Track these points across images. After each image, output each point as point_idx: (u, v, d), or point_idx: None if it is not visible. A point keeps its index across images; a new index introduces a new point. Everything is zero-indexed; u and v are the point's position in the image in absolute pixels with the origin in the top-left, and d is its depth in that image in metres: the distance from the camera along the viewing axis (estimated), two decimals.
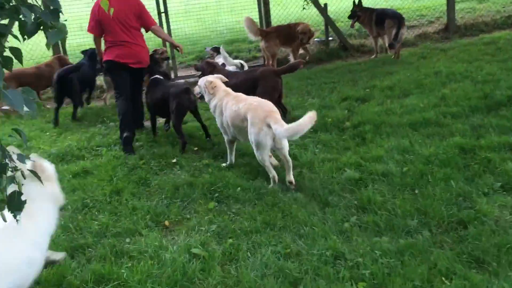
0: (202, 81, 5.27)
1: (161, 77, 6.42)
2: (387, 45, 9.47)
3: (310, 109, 6.33)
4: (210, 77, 5.23)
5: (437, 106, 5.96)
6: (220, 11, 12.15)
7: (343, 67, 9.13)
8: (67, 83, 7.49)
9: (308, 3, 9.74)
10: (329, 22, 10.60)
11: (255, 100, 4.69)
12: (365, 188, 4.20)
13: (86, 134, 6.69)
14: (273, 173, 4.50)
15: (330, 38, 11.00)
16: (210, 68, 6.41)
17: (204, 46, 10.52)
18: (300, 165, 4.90)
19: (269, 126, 4.32)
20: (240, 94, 4.99)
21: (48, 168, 3.10)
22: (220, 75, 5.36)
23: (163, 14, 9.62)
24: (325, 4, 10.56)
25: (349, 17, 10.13)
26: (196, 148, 5.76)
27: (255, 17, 10.45)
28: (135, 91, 6.57)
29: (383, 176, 4.39)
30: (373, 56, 9.84)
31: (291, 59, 9.72)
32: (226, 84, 5.44)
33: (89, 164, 5.48)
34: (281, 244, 3.48)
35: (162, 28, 9.36)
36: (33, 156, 3.03)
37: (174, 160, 5.38)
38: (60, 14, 1.73)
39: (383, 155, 4.79)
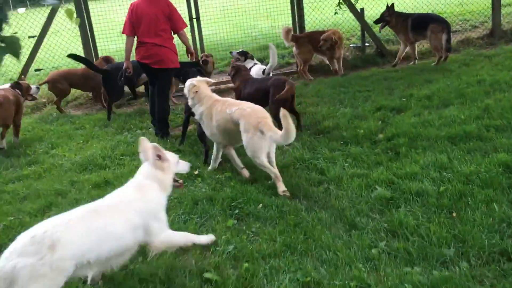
0: (187, 82, 5.18)
1: None
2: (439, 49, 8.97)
3: (341, 120, 6.12)
4: (194, 80, 5.13)
5: (479, 118, 5.50)
6: (257, 16, 11.89)
7: (379, 74, 8.71)
8: (108, 76, 7.76)
9: (341, 8, 9.36)
10: (365, 27, 10.20)
11: (248, 106, 4.69)
12: (396, 209, 3.86)
13: (111, 142, 6.58)
14: (274, 172, 4.50)
15: (367, 44, 10.59)
16: (233, 71, 6.55)
17: (238, 52, 10.33)
18: (327, 180, 4.59)
19: (262, 132, 4.36)
20: (229, 99, 5.06)
21: (169, 159, 3.46)
22: (206, 79, 5.28)
23: (194, 20, 9.49)
24: (362, 9, 10.17)
25: (376, 21, 9.71)
26: (220, 159, 5.53)
27: (290, 21, 10.22)
28: (158, 92, 6.65)
29: (417, 195, 4.03)
30: (411, 63, 9.38)
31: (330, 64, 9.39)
32: (243, 91, 5.81)
33: (111, 175, 5.34)
34: (301, 271, 3.19)
35: (194, 33, 9.34)
36: (156, 145, 3.41)
37: (196, 172, 5.17)
38: (6, 26, 1.50)
39: (418, 172, 4.42)
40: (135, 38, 6.56)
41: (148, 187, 3.27)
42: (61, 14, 9.59)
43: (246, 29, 11.96)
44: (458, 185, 4.04)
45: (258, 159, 4.49)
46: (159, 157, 3.38)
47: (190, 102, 5.12)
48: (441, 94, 6.64)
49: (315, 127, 6.15)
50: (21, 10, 10.69)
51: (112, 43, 10.28)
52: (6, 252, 2.69)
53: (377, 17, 9.65)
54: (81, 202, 4.70)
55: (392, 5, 9.39)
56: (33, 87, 7.73)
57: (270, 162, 4.56)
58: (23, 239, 2.71)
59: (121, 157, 5.96)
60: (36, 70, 7.44)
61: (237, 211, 4.20)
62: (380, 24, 9.56)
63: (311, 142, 5.61)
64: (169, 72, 6.61)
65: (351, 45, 11.02)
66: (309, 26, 10.71)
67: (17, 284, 2.57)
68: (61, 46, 10.46)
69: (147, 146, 3.46)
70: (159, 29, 6.35)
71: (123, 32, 6.61)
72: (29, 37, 9.25)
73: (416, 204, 3.90)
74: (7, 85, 7.37)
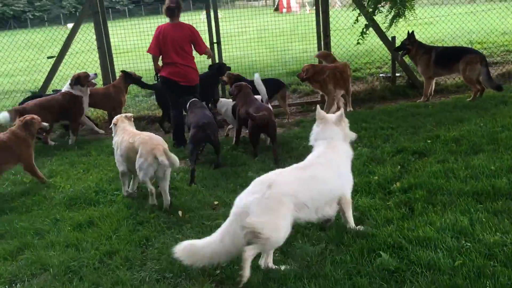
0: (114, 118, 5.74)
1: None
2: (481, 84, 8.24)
3: (356, 162, 5.52)
4: (118, 116, 5.67)
5: None
6: (292, 39, 11.45)
7: (406, 108, 8.07)
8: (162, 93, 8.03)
9: (363, 38, 8.78)
10: (396, 56, 9.57)
11: (147, 134, 5.26)
12: (400, 287, 3.25)
13: (111, 173, 6.22)
14: (150, 187, 5.02)
15: (398, 74, 9.96)
16: (235, 90, 7.04)
17: (265, 75, 9.84)
18: (327, 239, 4.02)
19: (155, 158, 4.86)
20: (135, 130, 5.49)
21: (344, 118, 4.24)
22: (128, 114, 5.78)
23: (215, 44, 9.23)
24: (393, 37, 9.57)
25: (396, 49, 9.09)
26: (216, 202, 5.06)
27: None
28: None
29: (427, 268, 3.40)
30: (420, 100, 8.64)
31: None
32: (241, 109, 6.70)
33: (97, 213, 4.96)
34: None
35: (214, 56, 9.07)
36: (332, 115, 4.24)
37: (187, 216, 4.73)
38: None
39: (433, 237, 3.78)
40: (160, 58, 7.37)
41: (338, 144, 4.09)
42: (80, 35, 9.50)
43: (279, 53, 11.42)
44: (478, 260, 3.39)
45: (142, 178, 4.99)
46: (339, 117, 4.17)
47: (113, 134, 5.60)
48: (471, 138, 5.95)
49: None
50: (71, 25, 10.83)
51: (130, 65, 10.10)
52: (240, 195, 3.61)
53: None
54: (56, 246, 4.36)
55: (413, 32, 8.77)
56: (91, 74, 8.31)
57: (163, 186, 5.03)
58: (249, 187, 3.64)
59: (115, 192, 5.58)
60: (49, 57, 7.60)
61: (218, 271, 3.70)
62: (401, 52, 8.96)
63: None
64: (195, 88, 7.38)
65: (380, 74, 10.44)
66: (337, 51, 10.17)
67: (250, 216, 3.38)
68: (80, 66, 10.35)
69: (323, 112, 4.23)
70: (182, 50, 7.21)
71: (148, 51, 7.43)
72: (48, 57, 9.19)
73: (425, 281, 3.28)
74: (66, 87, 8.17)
